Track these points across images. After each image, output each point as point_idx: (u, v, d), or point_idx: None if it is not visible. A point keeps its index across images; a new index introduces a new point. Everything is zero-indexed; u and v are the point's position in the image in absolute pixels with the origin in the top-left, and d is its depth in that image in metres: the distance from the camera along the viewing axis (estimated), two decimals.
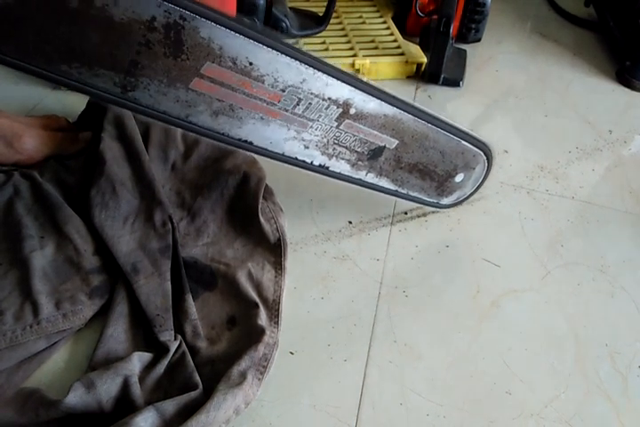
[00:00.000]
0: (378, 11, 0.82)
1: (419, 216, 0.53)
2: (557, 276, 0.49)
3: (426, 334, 0.43)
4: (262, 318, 0.40)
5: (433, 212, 0.54)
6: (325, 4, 0.64)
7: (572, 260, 0.50)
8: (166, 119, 0.35)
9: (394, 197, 0.48)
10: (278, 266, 0.45)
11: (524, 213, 0.55)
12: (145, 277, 0.41)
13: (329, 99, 0.37)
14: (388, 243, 0.50)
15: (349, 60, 0.69)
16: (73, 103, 0.59)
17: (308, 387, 0.38)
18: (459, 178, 0.48)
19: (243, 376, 0.35)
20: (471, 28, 0.77)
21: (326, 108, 0.37)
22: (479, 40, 0.79)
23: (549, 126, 0.67)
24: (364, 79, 0.38)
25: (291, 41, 0.70)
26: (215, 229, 0.47)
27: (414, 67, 0.72)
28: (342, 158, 0.41)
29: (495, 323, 0.44)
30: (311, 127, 0.38)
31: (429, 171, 0.46)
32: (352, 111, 0.39)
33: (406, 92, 0.70)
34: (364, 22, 0.79)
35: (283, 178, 0.53)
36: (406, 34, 0.78)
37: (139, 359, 0.36)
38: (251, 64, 0.34)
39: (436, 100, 0.70)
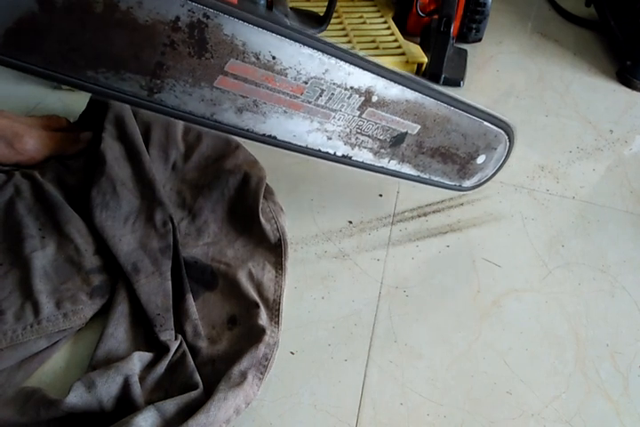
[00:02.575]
0: (378, 10, 0.82)
1: (419, 216, 0.53)
2: (558, 276, 0.49)
3: (426, 333, 0.43)
4: (263, 318, 0.40)
5: (433, 211, 0.54)
6: (326, 3, 0.64)
7: (572, 260, 0.50)
8: (192, 119, 0.35)
9: (414, 182, 0.47)
10: (279, 266, 0.45)
11: (524, 213, 0.55)
12: (145, 276, 0.41)
13: (351, 88, 0.37)
14: (389, 243, 0.50)
15: None
16: (74, 103, 0.59)
17: (308, 387, 0.38)
18: (480, 159, 0.47)
19: (243, 376, 0.35)
20: (472, 28, 0.77)
21: (348, 98, 0.37)
22: (480, 40, 0.79)
23: (550, 126, 0.67)
24: (387, 66, 0.38)
25: None
26: (216, 229, 0.47)
27: (415, 67, 0.72)
28: (365, 147, 0.41)
29: (496, 323, 0.44)
30: (334, 118, 0.38)
31: (451, 154, 0.45)
32: (374, 99, 0.38)
33: None
34: (364, 22, 0.79)
35: (283, 178, 0.53)
36: (407, 34, 0.78)
37: (139, 359, 0.36)
38: (274, 58, 0.34)
39: None
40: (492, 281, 0.48)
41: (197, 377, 0.36)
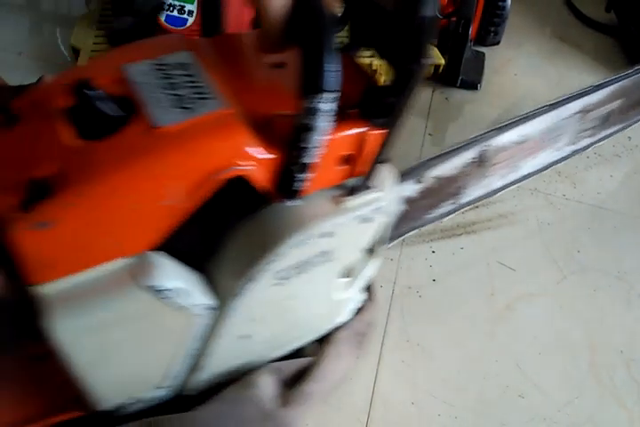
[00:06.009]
0: None
1: None
2: (573, 281, 0.48)
3: (439, 334, 0.43)
4: None
5: (447, 213, 0.53)
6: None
7: (588, 265, 0.50)
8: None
9: None
10: None
11: (540, 218, 0.54)
12: None
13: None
14: (403, 243, 0.50)
15: (367, 61, 0.69)
16: None
17: None
18: None
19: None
20: (490, 31, 0.76)
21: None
22: (498, 43, 0.79)
23: None
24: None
25: None
26: None
27: (432, 68, 0.72)
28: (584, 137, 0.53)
29: (509, 326, 0.44)
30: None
31: None
32: (590, 116, 0.48)
33: (423, 93, 0.70)
34: None
35: None
36: None
37: None
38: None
39: (454, 102, 0.69)
40: (506, 285, 0.47)
41: None
